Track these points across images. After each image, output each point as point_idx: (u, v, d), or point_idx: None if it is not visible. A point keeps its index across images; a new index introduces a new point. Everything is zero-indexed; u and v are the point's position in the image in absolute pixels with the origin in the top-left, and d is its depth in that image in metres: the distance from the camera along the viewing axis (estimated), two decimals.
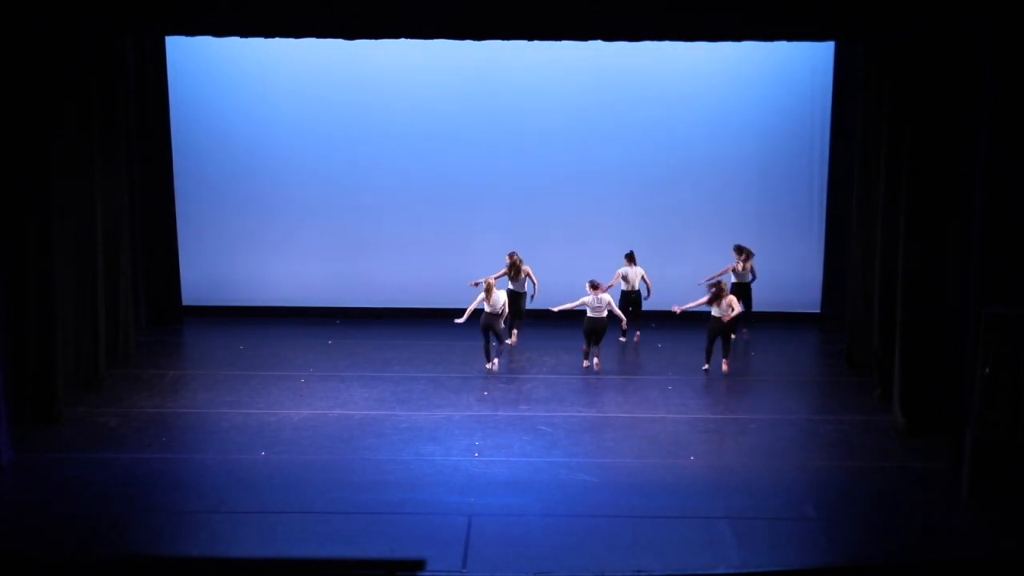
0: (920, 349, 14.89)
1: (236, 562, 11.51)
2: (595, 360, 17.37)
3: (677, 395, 16.50)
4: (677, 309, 17.56)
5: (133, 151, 18.41)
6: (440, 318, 19.59)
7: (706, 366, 17.33)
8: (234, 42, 15.43)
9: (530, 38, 14.27)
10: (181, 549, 12.32)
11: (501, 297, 17.32)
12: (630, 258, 18.61)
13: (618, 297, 18.43)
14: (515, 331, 18.46)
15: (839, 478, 13.95)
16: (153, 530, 12.63)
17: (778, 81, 19.29)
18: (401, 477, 13.84)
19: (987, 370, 12.91)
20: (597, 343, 17.38)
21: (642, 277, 18.60)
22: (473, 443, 14.77)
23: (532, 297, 18.46)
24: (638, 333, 18.77)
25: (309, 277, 19.67)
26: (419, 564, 10.96)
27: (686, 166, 19.50)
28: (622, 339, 18.54)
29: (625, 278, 18.61)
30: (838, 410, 15.97)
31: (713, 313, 17.16)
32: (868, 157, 16.84)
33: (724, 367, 17.25)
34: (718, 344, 17.29)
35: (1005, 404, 12.90)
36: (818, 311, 19.69)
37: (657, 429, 15.30)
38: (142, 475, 13.83)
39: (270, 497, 13.32)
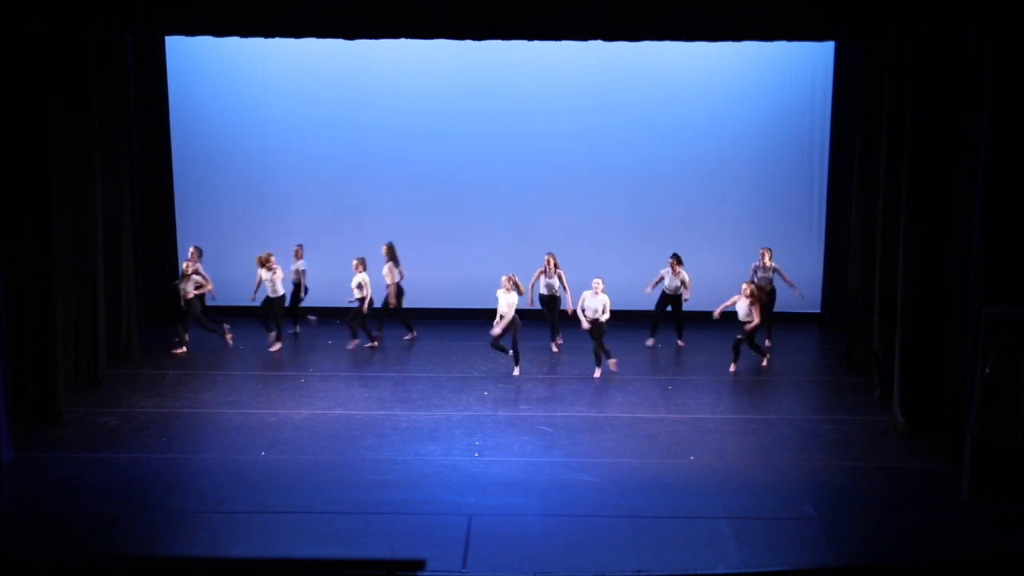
0: (920, 349, 14.89)
1: (236, 562, 11.52)
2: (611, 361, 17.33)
3: (677, 395, 16.50)
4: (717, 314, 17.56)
5: (133, 151, 18.40)
6: (440, 318, 19.58)
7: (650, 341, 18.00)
8: (234, 42, 15.40)
9: (530, 38, 14.26)
10: (181, 549, 12.33)
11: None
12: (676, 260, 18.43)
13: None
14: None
15: (839, 478, 13.95)
16: (153, 530, 12.64)
17: (778, 81, 19.27)
18: (401, 477, 13.84)
19: (987, 370, 12.91)
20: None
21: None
22: (473, 443, 14.77)
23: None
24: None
25: (308, 277, 19.64)
26: (419, 564, 10.98)
27: (686, 166, 19.49)
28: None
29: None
30: (838, 410, 15.97)
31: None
32: (868, 157, 16.84)
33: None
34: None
35: (1005, 404, 12.90)
36: (818, 311, 19.69)
37: (657, 429, 15.30)
38: (142, 475, 13.84)
39: (270, 497, 13.32)
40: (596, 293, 17.02)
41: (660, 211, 19.62)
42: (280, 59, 19.05)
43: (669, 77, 19.24)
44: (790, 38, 14.12)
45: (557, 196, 19.61)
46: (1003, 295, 13.17)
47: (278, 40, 14.60)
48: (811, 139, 19.38)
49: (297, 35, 13.93)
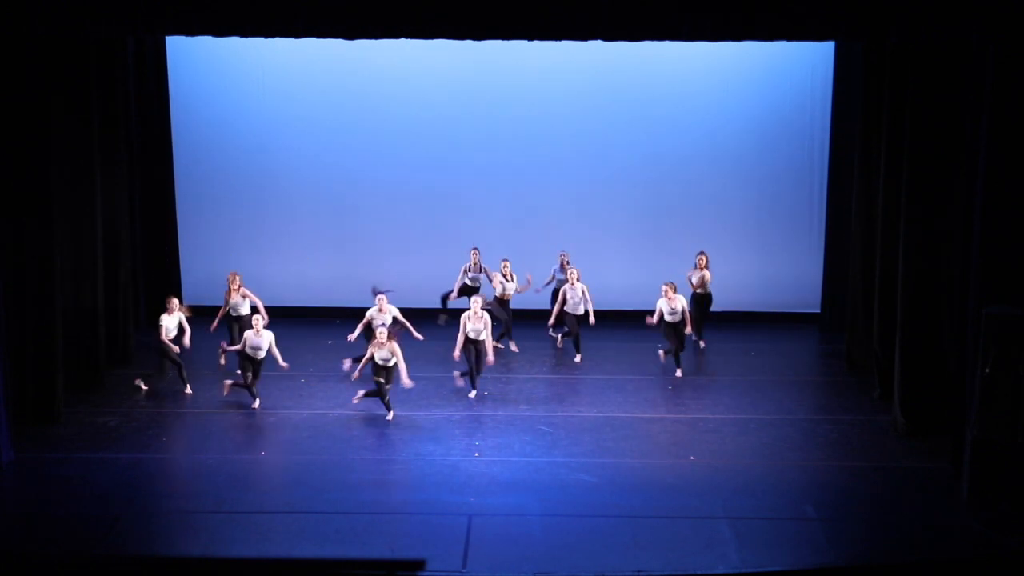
0: (920, 349, 14.89)
1: (236, 562, 11.52)
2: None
3: (677, 395, 16.50)
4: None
5: (133, 151, 18.41)
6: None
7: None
8: (234, 42, 15.42)
9: (530, 38, 14.27)
10: (181, 549, 12.34)
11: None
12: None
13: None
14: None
15: (839, 478, 13.96)
16: (153, 530, 12.64)
17: (778, 81, 19.27)
18: (401, 477, 13.85)
19: (987, 370, 12.90)
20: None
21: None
22: (473, 443, 14.78)
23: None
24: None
25: (309, 277, 19.67)
26: (419, 564, 10.97)
27: (686, 166, 19.49)
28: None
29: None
30: (838, 410, 15.97)
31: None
32: (868, 157, 16.85)
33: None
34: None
35: (1005, 404, 12.90)
36: (818, 311, 19.68)
37: (657, 429, 15.30)
38: (142, 475, 13.85)
39: (270, 497, 13.33)
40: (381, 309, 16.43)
41: (660, 211, 19.61)
42: (281, 59, 19.05)
43: (669, 77, 19.24)
44: (790, 38, 14.14)
45: (557, 196, 19.61)
46: (1003, 295, 13.17)
47: (278, 40, 14.63)
48: (811, 139, 19.38)
49: (297, 35, 13.94)
